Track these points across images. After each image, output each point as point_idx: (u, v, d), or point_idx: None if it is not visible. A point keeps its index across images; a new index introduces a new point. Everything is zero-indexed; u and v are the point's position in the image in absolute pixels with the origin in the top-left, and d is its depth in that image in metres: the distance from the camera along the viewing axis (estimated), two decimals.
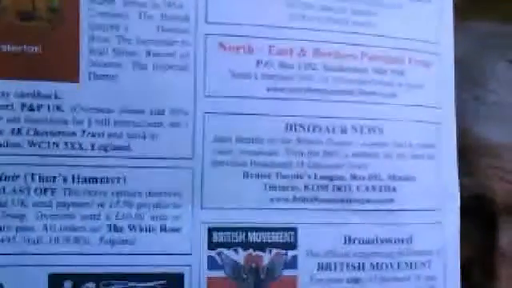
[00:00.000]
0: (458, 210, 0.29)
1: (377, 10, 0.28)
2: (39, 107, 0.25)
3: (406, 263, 0.28)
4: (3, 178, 0.25)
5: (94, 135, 0.26)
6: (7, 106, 0.25)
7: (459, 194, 0.29)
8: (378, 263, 0.28)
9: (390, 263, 0.28)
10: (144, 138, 0.26)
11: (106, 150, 0.26)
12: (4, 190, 0.25)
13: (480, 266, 0.29)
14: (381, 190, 0.28)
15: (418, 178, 0.28)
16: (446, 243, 0.29)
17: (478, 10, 0.31)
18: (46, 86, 0.25)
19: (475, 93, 0.30)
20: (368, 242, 0.28)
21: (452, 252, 0.29)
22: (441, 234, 0.29)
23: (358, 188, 0.28)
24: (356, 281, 0.27)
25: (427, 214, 0.28)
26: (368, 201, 0.28)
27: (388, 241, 0.28)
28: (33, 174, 0.25)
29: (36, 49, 0.25)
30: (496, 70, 0.35)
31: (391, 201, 0.28)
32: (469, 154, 0.29)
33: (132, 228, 0.26)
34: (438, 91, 0.29)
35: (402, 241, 0.28)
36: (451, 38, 0.30)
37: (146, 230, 0.26)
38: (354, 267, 0.27)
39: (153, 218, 0.26)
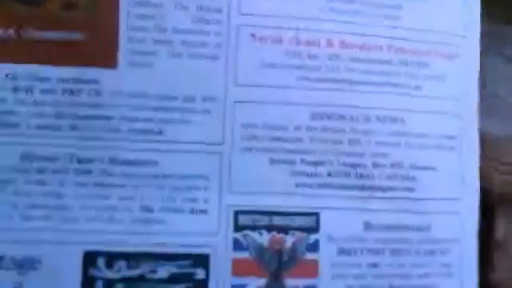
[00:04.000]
0: (478, 200, 0.30)
1: (403, 3, 0.29)
2: (80, 92, 0.26)
3: (424, 250, 0.28)
4: (44, 158, 0.26)
5: (130, 120, 0.27)
6: (49, 90, 0.26)
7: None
8: (396, 249, 0.28)
9: (409, 249, 0.28)
10: (177, 123, 0.27)
11: (141, 134, 0.27)
12: (44, 170, 0.26)
13: (477, 257, 0.30)
14: (402, 179, 0.28)
15: (439, 168, 0.29)
16: (464, 232, 0.29)
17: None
18: (86, 72, 0.26)
19: None
20: (387, 228, 0.28)
21: (470, 241, 0.29)
22: (459, 223, 0.29)
23: (379, 176, 0.28)
24: (375, 265, 0.28)
25: (447, 204, 0.29)
26: (389, 188, 0.28)
27: (407, 228, 0.28)
28: (72, 156, 0.26)
29: (78, 36, 0.26)
30: (494, 66, 0.35)
31: (411, 189, 0.28)
32: None
33: (163, 209, 0.27)
34: (462, 83, 0.29)
35: (421, 228, 0.28)
36: (477, 31, 0.30)
37: (177, 212, 0.27)
38: (373, 252, 0.28)
39: (183, 200, 0.27)
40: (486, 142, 0.33)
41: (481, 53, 0.30)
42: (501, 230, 0.35)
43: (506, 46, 0.36)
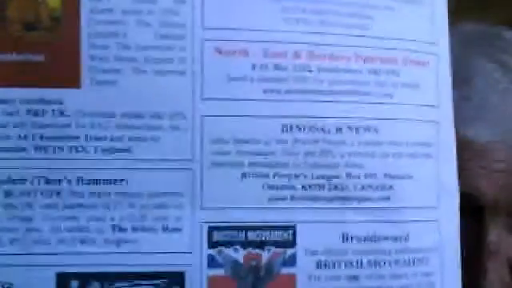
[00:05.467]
0: (457, 207, 0.29)
1: (370, 13, 0.29)
2: (44, 113, 0.26)
3: (403, 260, 0.28)
4: (11, 181, 0.26)
5: (96, 139, 0.27)
6: (13, 112, 0.26)
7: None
8: (375, 260, 0.28)
9: (388, 260, 0.28)
10: (145, 140, 0.27)
11: (108, 153, 0.27)
12: (12, 193, 0.26)
13: (469, 262, 0.29)
14: (377, 189, 0.28)
15: (415, 176, 0.29)
16: (443, 240, 0.29)
17: (466, 12, 0.31)
18: (50, 93, 0.26)
19: (463, 93, 0.30)
20: (365, 239, 0.28)
21: (450, 249, 0.29)
22: (438, 232, 0.29)
23: (354, 186, 0.28)
24: (354, 278, 0.28)
25: (424, 212, 0.29)
26: (365, 199, 0.28)
27: (385, 238, 0.28)
28: (39, 178, 0.26)
29: (40, 57, 0.26)
30: (484, 70, 0.36)
31: (388, 199, 0.28)
32: (456, 152, 0.30)
33: (135, 228, 0.27)
34: (435, 90, 0.30)
35: (400, 238, 0.28)
36: (446, 39, 0.30)
37: (149, 231, 0.27)
38: (352, 264, 0.28)
39: (155, 218, 0.27)
40: (476, 147, 0.33)
41: (474, 58, 0.30)
42: (492, 234, 0.35)
43: (499, 51, 0.36)
